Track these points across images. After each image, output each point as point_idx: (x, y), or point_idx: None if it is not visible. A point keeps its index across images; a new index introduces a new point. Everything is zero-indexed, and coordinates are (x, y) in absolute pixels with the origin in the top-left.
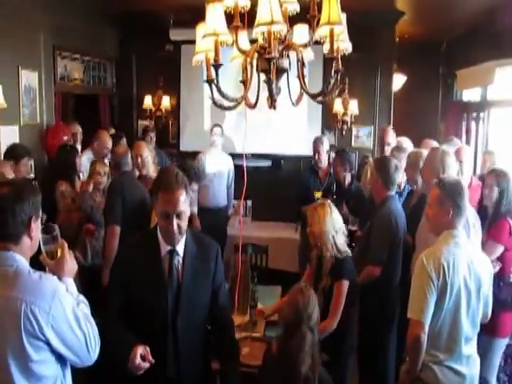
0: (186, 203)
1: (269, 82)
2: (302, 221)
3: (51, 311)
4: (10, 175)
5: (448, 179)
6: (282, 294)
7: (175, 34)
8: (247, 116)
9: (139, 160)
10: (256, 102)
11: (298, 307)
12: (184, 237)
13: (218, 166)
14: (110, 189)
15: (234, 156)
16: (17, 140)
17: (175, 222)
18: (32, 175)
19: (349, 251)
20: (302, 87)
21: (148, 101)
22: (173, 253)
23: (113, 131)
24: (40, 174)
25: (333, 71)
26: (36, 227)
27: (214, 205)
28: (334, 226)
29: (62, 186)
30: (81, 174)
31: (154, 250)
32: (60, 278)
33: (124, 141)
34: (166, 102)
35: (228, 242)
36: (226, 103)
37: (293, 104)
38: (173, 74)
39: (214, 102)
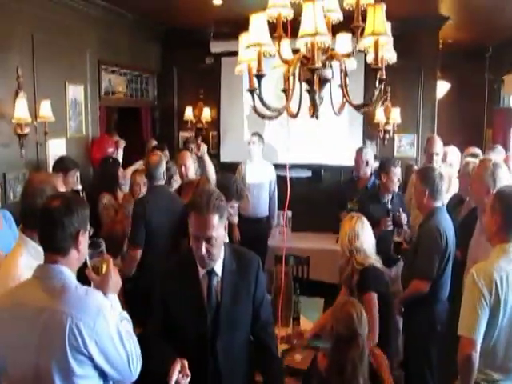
0: (218, 228)
1: (312, 92)
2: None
3: (95, 327)
4: (62, 188)
5: (508, 189)
6: (324, 306)
7: (215, 47)
8: (288, 126)
9: (183, 169)
10: (298, 112)
11: (353, 321)
12: (222, 254)
13: (258, 176)
14: (133, 209)
15: (275, 166)
16: (64, 152)
17: (204, 246)
18: (79, 186)
19: (374, 261)
20: (344, 97)
21: (189, 112)
22: (211, 274)
23: (155, 143)
24: (86, 185)
25: (377, 81)
26: (84, 240)
27: (253, 215)
28: (360, 239)
29: (104, 198)
30: (123, 186)
31: (192, 272)
32: (105, 294)
33: (166, 153)
34: (206, 113)
35: (268, 253)
36: (267, 113)
37: (335, 113)
38: (213, 86)
39: (256, 112)
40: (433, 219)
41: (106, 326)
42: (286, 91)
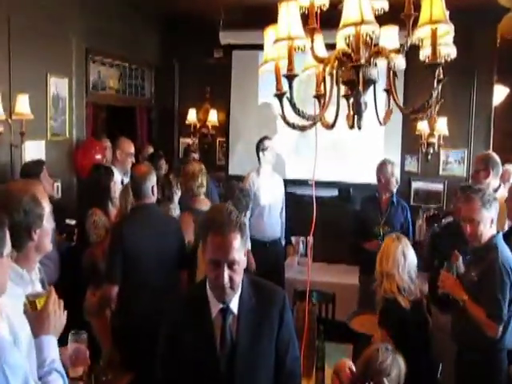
0: (240, 251)
1: (356, 96)
2: (360, 263)
3: None
4: (44, 199)
5: None
6: (353, 353)
7: (226, 37)
8: (310, 137)
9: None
10: (335, 121)
11: (374, 361)
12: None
13: (272, 191)
14: (110, 237)
15: (294, 183)
16: (43, 156)
17: (226, 273)
18: (73, 222)
19: (407, 290)
20: (395, 102)
21: (192, 115)
22: (226, 312)
23: (151, 150)
24: (67, 197)
25: (435, 81)
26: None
27: (267, 238)
28: (391, 262)
29: (95, 214)
30: (115, 200)
31: (202, 311)
32: (36, 336)
33: (163, 162)
34: (213, 116)
35: (286, 285)
36: (299, 122)
37: (379, 123)
38: (222, 85)
39: (286, 121)
40: (496, 250)
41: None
42: (318, 97)
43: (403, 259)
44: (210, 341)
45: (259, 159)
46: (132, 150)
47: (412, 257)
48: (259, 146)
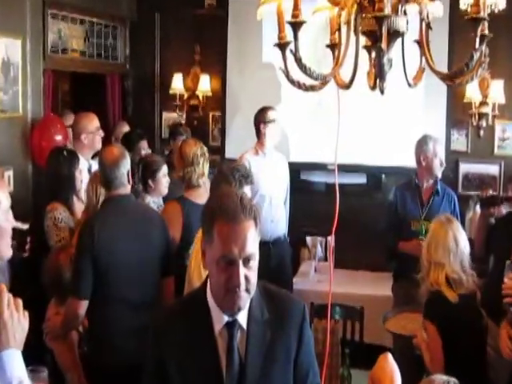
0: (256, 243)
1: (378, 55)
2: (394, 269)
3: None
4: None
5: None
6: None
7: None
8: (327, 108)
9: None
10: (352, 80)
11: None
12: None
13: (274, 174)
14: (76, 239)
15: (306, 167)
16: None
17: (242, 271)
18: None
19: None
20: (426, 60)
21: (178, 83)
22: (233, 326)
23: (126, 128)
24: (21, 190)
25: (477, 39)
26: None
27: (270, 236)
28: (441, 250)
29: (55, 209)
30: (82, 192)
31: (203, 326)
32: None
33: (144, 144)
34: (204, 84)
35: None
36: (307, 81)
37: (409, 85)
38: (216, 43)
39: (290, 79)
40: None
41: None
42: (333, 47)
43: (455, 246)
44: (214, 364)
45: (259, 134)
46: (95, 124)
47: (464, 242)
48: (260, 118)
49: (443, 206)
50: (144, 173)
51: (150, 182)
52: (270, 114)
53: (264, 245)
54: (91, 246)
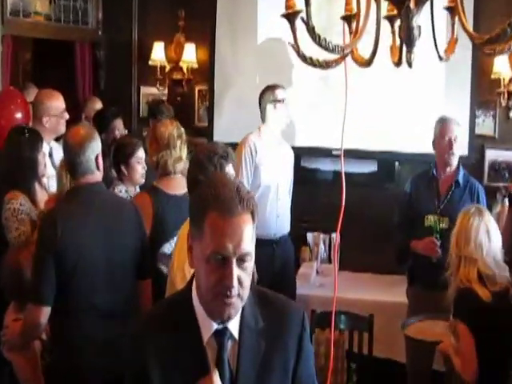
0: (253, 242)
1: (407, 17)
2: (409, 270)
3: None
4: None
5: None
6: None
7: None
8: (333, 85)
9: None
10: (373, 55)
11: None
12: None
13: (280, 163)
14: (38, 236)
15: (306, 152)
16: None
17: (235, 271)
18: None
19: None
20: (462, 26)
21: (159, 52)
22: (223, 335)
23: (98, 105)
24: None
25: None
26: None
27: (273, 234)
28: (472, 243)
29: (14, 199)
30: (45, 179)
31: (189, 335)
32: None
33: (120, 124)
34: (189, 54)
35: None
36: (320, 56)
37: (440, 58)
38: (203, 6)
39: (301, 56)
40: None
41: None
42: (348, 19)
43: (487, 239)
44: (202, 377)
45: (264, 117)
46: (61, 105)
47: (497, 236)
48: (266, 97)
49: (464, 198)
50: (116, 157)
51: (122, 167)
52: (278, 93)
53: (268, 244)
54: (54, 243)
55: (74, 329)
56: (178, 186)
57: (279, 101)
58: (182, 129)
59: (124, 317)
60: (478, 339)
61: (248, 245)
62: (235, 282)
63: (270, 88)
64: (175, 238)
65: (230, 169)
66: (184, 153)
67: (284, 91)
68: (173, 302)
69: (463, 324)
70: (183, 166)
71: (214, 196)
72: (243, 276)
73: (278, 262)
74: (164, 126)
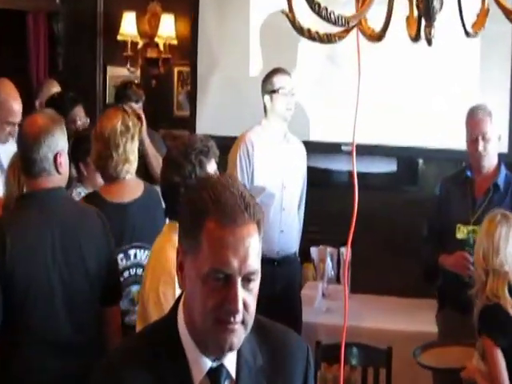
0: (259, 257)
1: None
2: (439, 291)
3: None
4: None
5: None
6: None
7: None
8: (345, 66)
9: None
10: (386, 27)
11: None
12: None
13: (285, 164)
14: None
15: (314, 148)
16: None
17: (241, 293)
18: None
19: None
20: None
21: (129, 25)
22: (219, 375)
23: (55, 89)
24: None
25: None
26: None
27: (276, 252)
28: (502, 254)
29: None
30: None
31: (176, 373)
32: None
33: (80, 111)
34: (167, 27)
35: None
36: (320, 29)
37: (466, 34)
38: None
39: (297, 27)
40: None
41: None
42: None
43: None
44: None
45: (266, 109)
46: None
47: None
48: (264, 86)
49: (506, 204)
50: (74, 153)
51: (81, 166)
52: (276, 81)
53: (268, 263)
54: (1, 261)
55: (23, 362)
56: (125, 192)
57: (275, 91)
58: (131, 122)
59: (85, 351)
60: (509, 360)
61: (255, 261)
62: (240, 306)
63: (268, 75)
64: (120, 255)
65: (212, 167)
66: (132, 152)
67: (284, 78)
68: (153, 333)
69: (492, 342)
70: (132, 167)
71: (214, 201)
72: (249, 299)
73: (279, 285)
74: (106, 118)
